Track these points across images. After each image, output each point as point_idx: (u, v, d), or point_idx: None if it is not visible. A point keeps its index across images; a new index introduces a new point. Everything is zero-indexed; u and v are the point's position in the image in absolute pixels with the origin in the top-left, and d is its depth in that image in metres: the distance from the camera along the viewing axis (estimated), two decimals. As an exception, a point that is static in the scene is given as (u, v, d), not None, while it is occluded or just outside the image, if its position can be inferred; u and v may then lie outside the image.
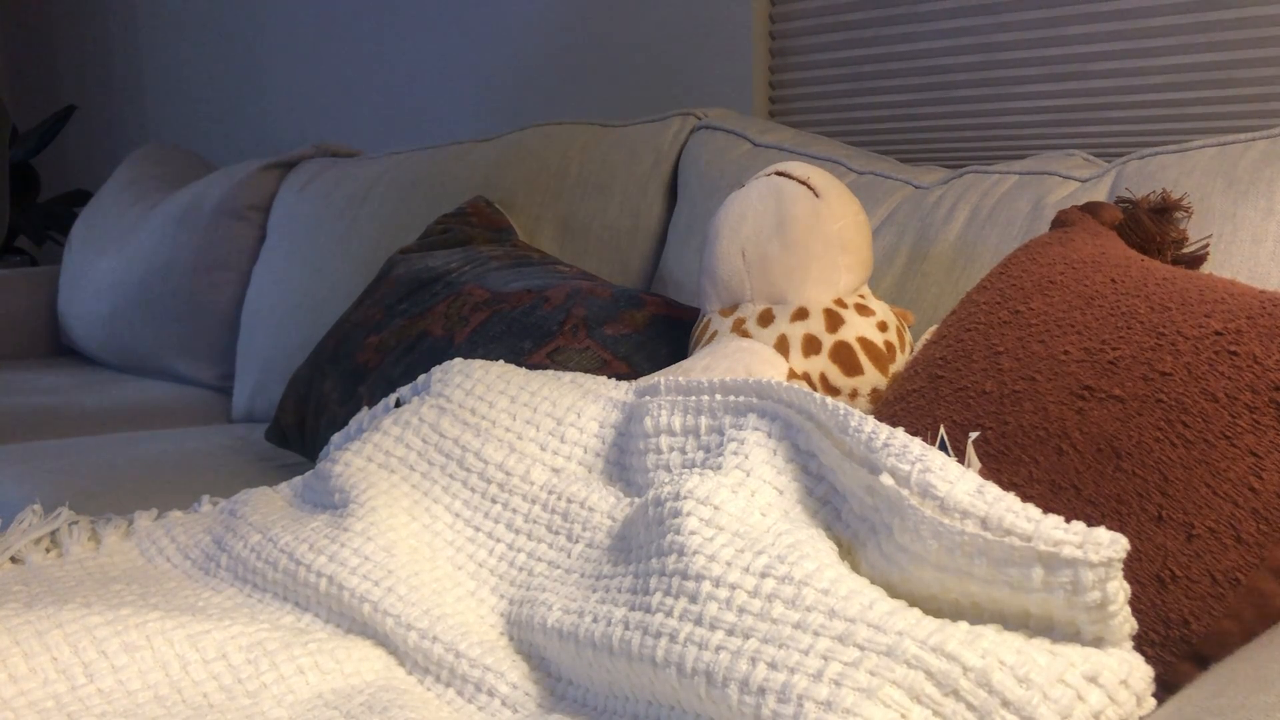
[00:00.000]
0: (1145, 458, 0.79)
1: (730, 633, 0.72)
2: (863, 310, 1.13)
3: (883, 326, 1.13)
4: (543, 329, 1.32)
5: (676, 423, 0.97)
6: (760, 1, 1.88)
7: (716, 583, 0.75)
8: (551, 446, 1.04)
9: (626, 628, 0.78)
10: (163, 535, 1.14)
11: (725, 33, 1.93)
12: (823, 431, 0.84)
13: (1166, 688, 0.71)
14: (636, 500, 0.95)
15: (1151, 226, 1.07)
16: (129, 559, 1.12)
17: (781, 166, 1.18)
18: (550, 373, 1.14)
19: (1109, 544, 0.65)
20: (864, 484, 0.78)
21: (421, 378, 1.20)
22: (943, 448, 0.88)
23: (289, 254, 2.13)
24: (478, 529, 1.02)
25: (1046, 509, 0.81)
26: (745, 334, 1.14)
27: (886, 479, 0.74)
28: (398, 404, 1.22)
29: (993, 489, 0.71)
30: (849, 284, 1.14)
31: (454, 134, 2.48)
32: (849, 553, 0.80)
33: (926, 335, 1.09)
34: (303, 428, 1.57)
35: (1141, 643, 0.74)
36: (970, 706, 0.63)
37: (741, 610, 0.73)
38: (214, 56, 3.12)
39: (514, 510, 1.01)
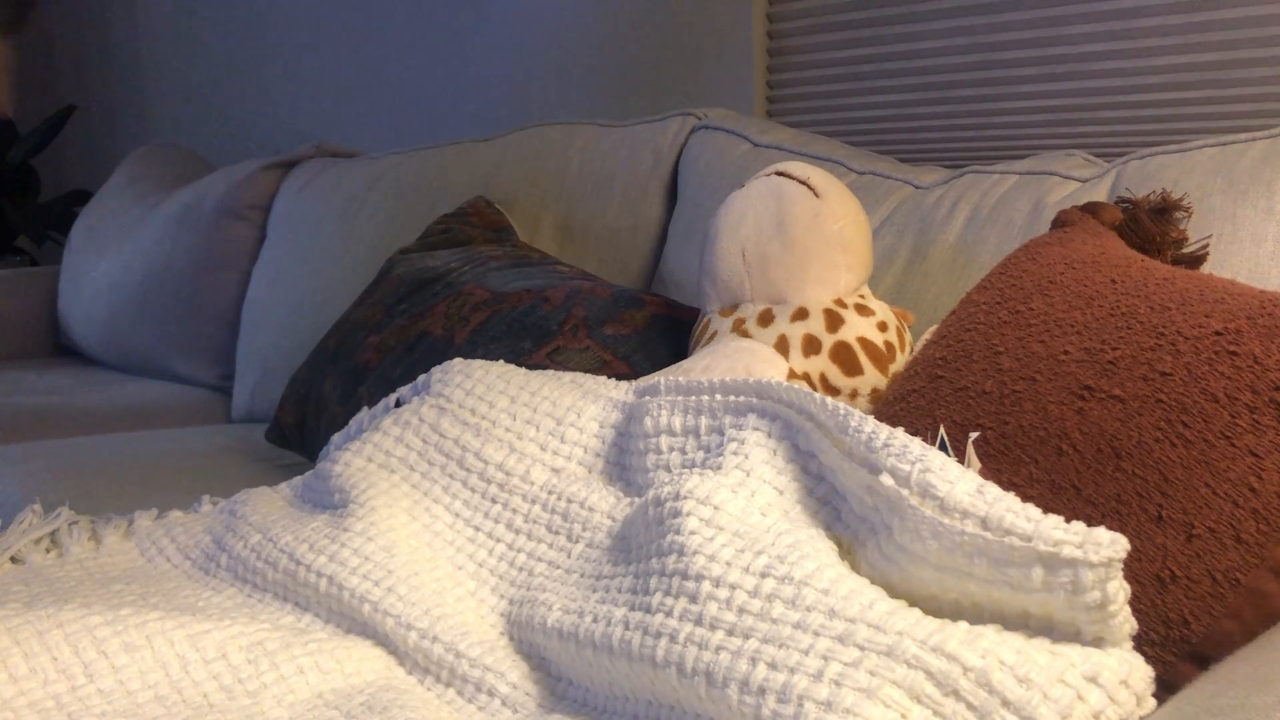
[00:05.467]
0: (1145, 458, 0.79)
1: (730, 633, 0.72)
2: (863, 310, 1.13)
3: (883, 326, 1.13)
4: (543, 329, 1.32)
5: (676, 423, 0.97)
6: (759, 2, 1.88)
7: (716, 583, 0.75)
8: (551, 446, 1.04)
9: (627, 628, 0.78)
10: (163, 535, 1.14)
11: (725, 33, 1.93)
12: (823, 431, 0.84)
13: (1166, 688, 0.70)
14: (636, 500, 0.95)
15: (1151, 226, 1.07)
16: (129, 559, 1.12)
17: (781, 166, 1.18)
18: (550, 373, 1.14)
19: (1109, 544, 0.65)
20: (864, 484, 0.78)
21: (421, 378, 1.20)
22: (943, 448, 0.88)
23: (289, 254, 2.13)
24: (478, 529, 1.02)
25: (1046, 509, 0.81)
26: (745, 334, 1.14)
27: (886, 479, 0.74)
28: (398, 404, 1.22)
29: (993, 489, 0.71)
30: (849, 284, 1.14)
31: (454, 134, 2.48)
32: (849, 553, 0.80)
33: (926, 335, 1.09)
34: (303, 428, 1.57)
35: (1141, 643, 0.74)
36: (970, 706, 0.63)
37: (741, 610, 0.73)
38: (214, 56, 3.12)
39: (514, 510, 1.01)
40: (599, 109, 2.17)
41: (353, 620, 0.95)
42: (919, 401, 0.96)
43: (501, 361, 1.18)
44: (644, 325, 1.31)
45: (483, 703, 0.87)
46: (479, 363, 1.16)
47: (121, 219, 2.56)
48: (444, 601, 0.94)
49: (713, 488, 0.83)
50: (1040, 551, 0.66)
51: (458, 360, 1.18)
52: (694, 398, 0.97)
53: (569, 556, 0.95)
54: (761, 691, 0.68)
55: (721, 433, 0.93)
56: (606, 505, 0.96)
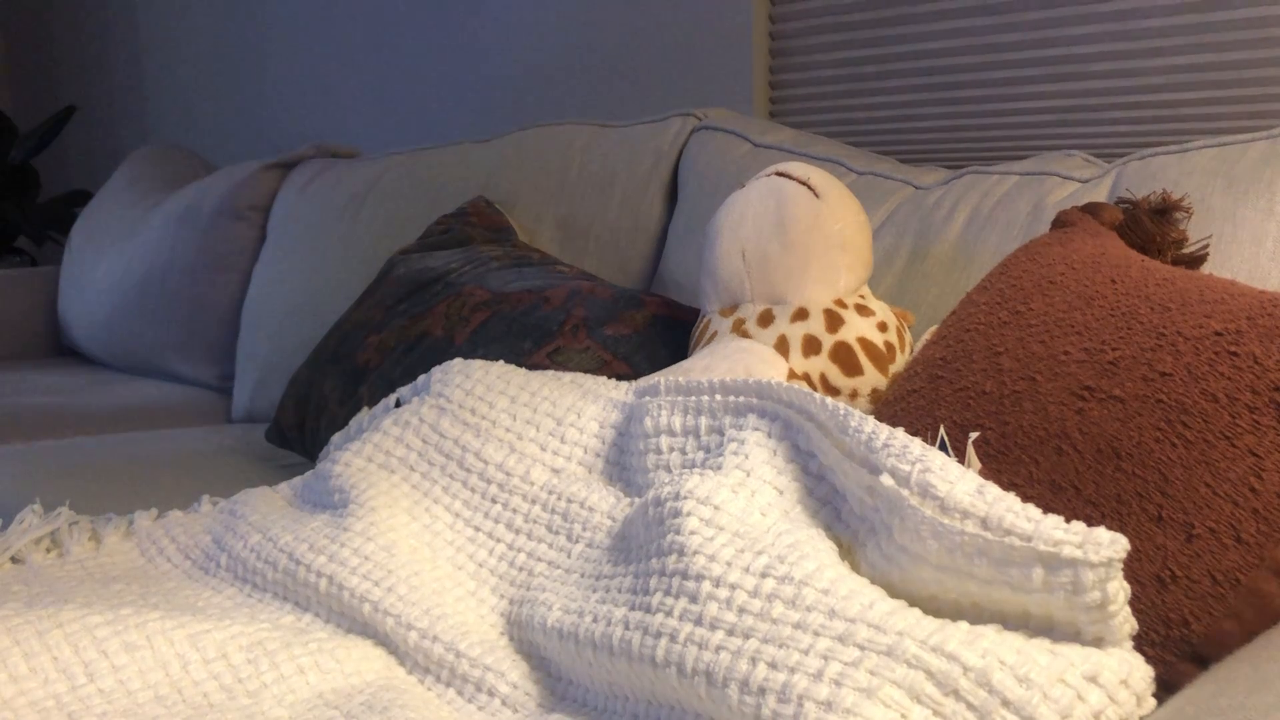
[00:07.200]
0: (1145, 458, 0.79)
1: (730, 633, 0.72)
2: (863, 311, 1.13)
3: (883, 327, 1.13)
4: (543, 329, 1.32)
5: (676, 423, 0.97)
6: (760, 1, 1.88)
7: (717, 583, 0.75)
8: (551, 447, 1.04)
9: (627, 628, 0.78)
10: (163, 535, 1.14)
11: (725, 33, 1.93)
12: (823, 432, 0.84)
13: (1166, 688, 0.71)
14: (636, 500, 0.95)
15: (1151, 227, 1.07)
16: (129, 559, 1.12)
17: (781, 167, 1.18)
18: (550, 373, 1.14)
19: (1109, 544, 0.65)
20: (864, 484, 0.78)
21: (421, 378, 1.20)
22: (943, 448, 0.88)
23: (289, 254, 2.13)
24: (478, 529, 1.02)
25: (1046, 509, 0.82)
26: (745, 334, 1.14)
27: (886, 479, 0.74)
28: (398, 404, 1.22)
29: (993, 489, 0.71)
30: (849, 284, 1.14)
31: (454, 134, 2.48)
32: (849, 553, 0.80)
33: (926, 335, 1.09)
34: (303, 428, 1.57)
35: (1141, 643, 0.74)
36: (970, 706, 0.63)
37: (742, 610, 0.73)
38: (214, 56, 3.12)
39: (514, 510, 1.01)
40: (599, 109, 2.17)
41: (353, 620, 0.95)
42: (919, 401, 0.96)
43: (501, 362, 1.18)
44: (644, 325, 1.31)
45: (483, 702, 0.87)
46: (479, 363, 1.16)
47: (121, 219, 2.56)
48: (444, 601, 0.94)
49: (713, 488, 0.83)
50: (1040, 551, 0.66)
51: (458, 360, 1.18)
52: (694, 398, 0.97)
53: (569, 556, 0.95)
54: (761, 691, 0.68)
55: (721, 433, 0.93)
56: (606, 505, 0.96)
